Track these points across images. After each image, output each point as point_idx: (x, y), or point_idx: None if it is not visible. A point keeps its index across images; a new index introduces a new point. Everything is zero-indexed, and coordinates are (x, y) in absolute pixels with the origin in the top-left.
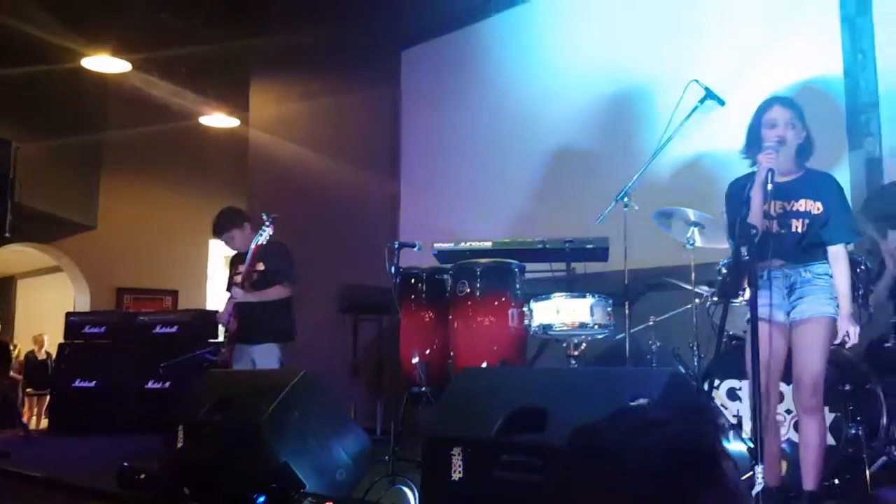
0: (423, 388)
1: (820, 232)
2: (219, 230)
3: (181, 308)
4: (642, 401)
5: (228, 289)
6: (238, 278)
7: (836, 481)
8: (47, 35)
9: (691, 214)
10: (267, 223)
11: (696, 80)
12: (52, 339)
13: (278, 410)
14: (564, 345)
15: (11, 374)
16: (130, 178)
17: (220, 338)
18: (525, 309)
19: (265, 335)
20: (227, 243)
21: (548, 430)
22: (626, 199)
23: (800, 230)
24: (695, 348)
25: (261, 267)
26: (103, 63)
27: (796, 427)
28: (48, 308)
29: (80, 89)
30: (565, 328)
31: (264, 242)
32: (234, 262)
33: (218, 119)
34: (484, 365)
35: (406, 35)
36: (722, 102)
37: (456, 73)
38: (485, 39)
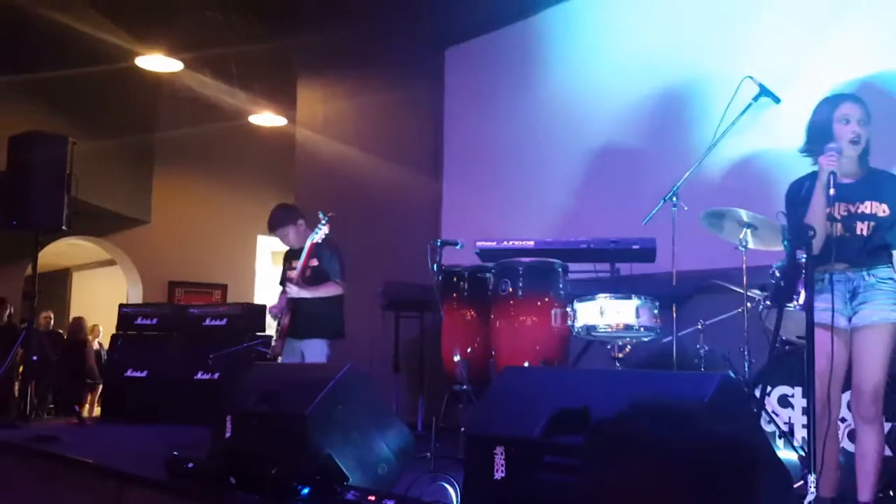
0: (465, 387)
1: (886, 235)
2: (274, 225)
3: (230, 301)
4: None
5: (282, 283)
6: (292, 274)
7: (893, 493)
8: (102, 34)
9: (744, 215)
10: (323, 221)
11: (751, 77)
12: (106, 331)
13: (323, 404)
14: (608, 347)
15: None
16: (182, 175)
17: (269, 331)
18: (568, 309)
19: (315, 331)
20: (281, 239)
21: (590, 430)
22: (674, 199)
23: (865, 233)
24: (745, 353)
25: (314, 263)
26: (156, 62)
27: (850, 436)
28: (102, 300)
29: (133, 88)
30: (609, 330)
31: (320, 241)
32: (289, 258)
33: (266, 118)
34: (526, 365)
35: (450, 34)
36: (777, 100)
37: (500, 72)
38: (529, 37)
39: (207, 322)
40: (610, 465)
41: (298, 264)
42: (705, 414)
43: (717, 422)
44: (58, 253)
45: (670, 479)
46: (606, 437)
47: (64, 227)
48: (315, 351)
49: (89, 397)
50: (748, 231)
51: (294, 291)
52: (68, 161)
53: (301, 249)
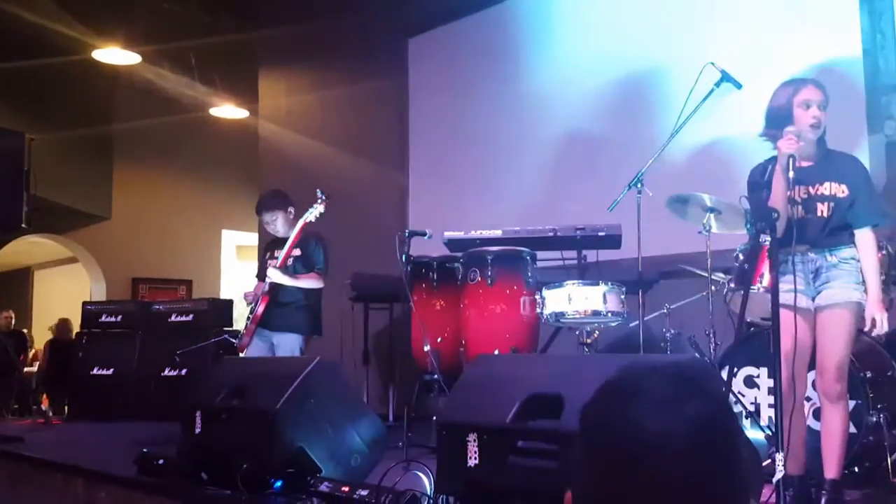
0: (436, 376)
1: (846, 215)
2: (266, 207)
3: (195, 297)
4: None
5: (259, 275)
6: (273, 262)
7: (857, 469)
8: (58, 27)
9: (707, 200)
10: (320, 199)
11: (712, 63)
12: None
13: (294, 397)
14: (577, 333)
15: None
16: (142, 170)
17: (236, 326)
18: (537, 297)
19: (291, 325)
20: (268, 225)
21: (564, 416)
22: (639, 186)
23: (825, 214)
24: (711, 336)
25: (297, 253)
26: (113, 55)
27: (815, 415)
28: (65, 299)
29: (90, 81)
30: (578, 316)
31: (313, 220)
32: (270, 247)
33: (227, 110)
34: (496, 352)
35: (413, 23)
36: (739, 85)
37: (463, 61)
38: (492, 26)
39: (173, 318)
40: (592, 452)
41: (282, 252)
42: (679, 395)
43: (691, 404)
44: (18, 252)
45: (654, 464)
46: (591, 424)
47: (23, 226)
48: (287, 346)
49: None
50: (711, 216)
51: (276, 276)
52: (25, 157)
53: (285, 240)
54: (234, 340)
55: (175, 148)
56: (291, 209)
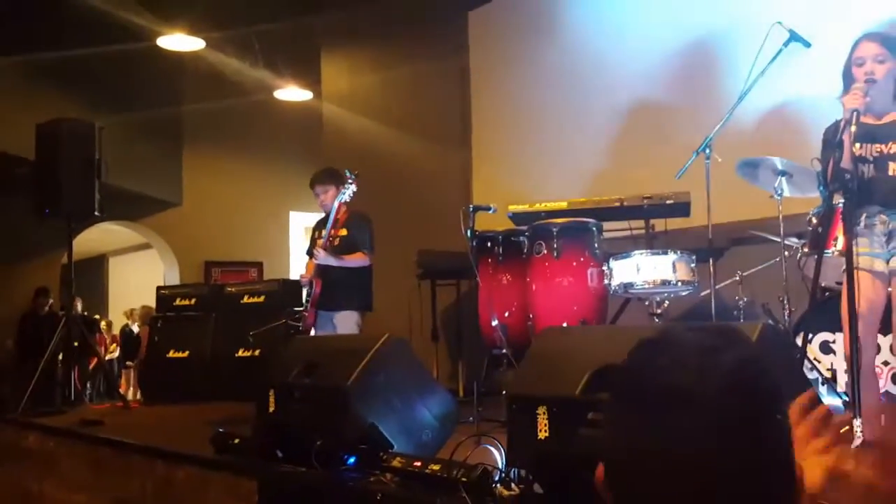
0: (504, 350)
1: None
2: (318, 180)
3: (266, 279)
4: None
5: (309, 252)
6: (321, 242)
7: None
8: (123, 13)
9: (779, 163)
10: (350, 180)
11: (779, 23)
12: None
13: (364, 373)
14: (647, 303)
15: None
16: (211, 155)
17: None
18: (604, 268)
19: (345, 303)
20: (319, 197)
21: None
22: (707, 151)
23: None
24: (785, 302)
25: (343, 233)
26: (178, 41)
27: (894, 379)
28: (140, 284)
29: (157, 68)
30: (647, 286)
31: (348, 199)
32: (318, 227)
33: (291, 93)
34: (565, 325)
35: None
36: (807, 44)
37: (523, 32)
38: None
39: (245, 300)
40: (619, 417)
41: (326, 231)
42: (749, 361)
43: (761, 370)
44: (92, 239)
45: (679, 425)
46: (618, 387)
47: (97, 214)
48: (347, 323)
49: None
50: (783, 179)
51: (321, 256)
52: (97, 146)
53: (328, 217)
54: (296, 324)
55: (242, 132)
56: (341, 186)
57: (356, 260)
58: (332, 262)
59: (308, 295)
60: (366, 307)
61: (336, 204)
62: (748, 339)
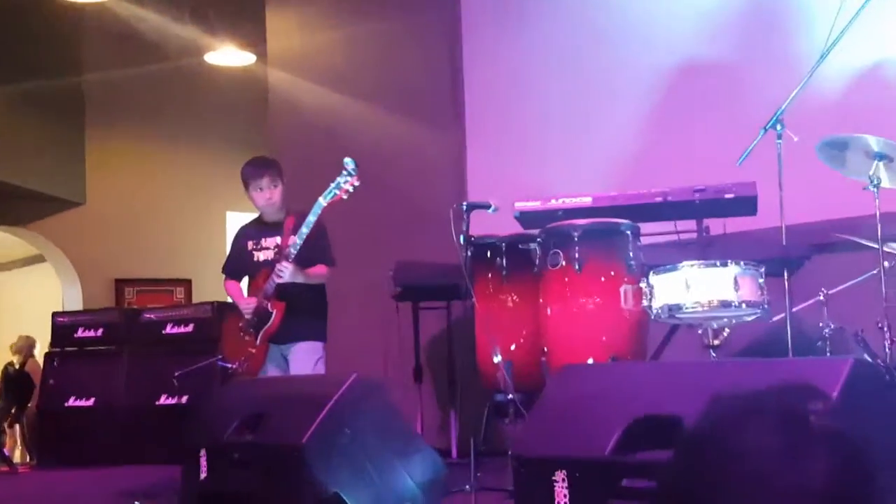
0: (510, 395)
1: None
2: (271, 168)
3: (197, 301)
4: None
5: (234, 270)
6: (267, 255)
7: None
8: None
9: (874, 143)
10: (348, 171)
11: None
12: (40, 345)
13: (325, 427)
14: (699, 332)
15: None
16: (123, 139)
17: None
18: (643, 285)
19: (305, 331)
20: (264, 193)
21: None
22: (778, 128)
23: None
24: (885, 329)
25: (296, 240)
26: None
27: None
28: (30, 309)
29: (50, 23)
30: (700, 309)
31: (344, 197)
32: (253, 233)
33: (228, 55)
34: (590, 362)
35: None
36: None
37: None
38: None
39: (169, 329)
40: (704, 486)
41: (300, 235)
42: (833, 414)
43: (849, 424)
44: None
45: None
46: (699, 450)
47: None
48: (308, 359)
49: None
50: (880, 164)
51: (288, 273)
52: None
53: (273, 225)
54: (230, 366)
55: (164, 109)
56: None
57: (320, 274)
58: (300, 278)
59: (253, 325)
60: (325, 335)
61: (323, 202)
62: (827, 398)
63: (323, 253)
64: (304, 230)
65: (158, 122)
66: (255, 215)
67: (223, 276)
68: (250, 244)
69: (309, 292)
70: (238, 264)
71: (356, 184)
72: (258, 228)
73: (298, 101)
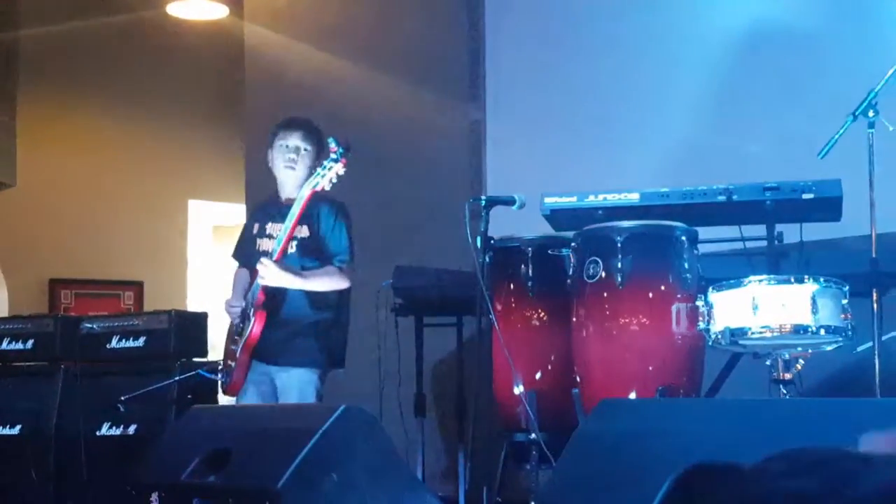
0: (533, 435)
1: None
2: (305, 127)
3: (149, 310)
4: None
5: (243, 257)
6: (270, 245)
7: None
8: None
9: None
10: (336, 155)
11: None
12: None
13: (305, 469)
14: (769, 363)
15: None
16: (63, 109)
17: (214, 354)
18: (699, 303)
19: (301, 353)
20: (286, 152)
21: None
22: (870, 115)
23: None
24: None
25: (304, 233)
26: None
27: None
28: None
29: None
30: (769, 335)
31: (327, 187)
32: (263, 216)
33: (194, 7)
34: (633, 396)
35: None
36: None
37: None
38: None
39: (115, 343)
40: None
41: (283, 229)
42: None
43: None
44: None
45: None
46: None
47: None
48: (295, 387)
49: None
50: None
51: (274, 276)
52: None
53: (288, 207)
54: (213, 376)
55: (114, 73)
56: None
57: (327, 279)
58: (288, 281)
59: (237, 332)
60: (334, 361)
61: (306, 190)
62: None
63: (336, 250)
64: (288, 223)
65: (108, 90)
66: (217, 206)
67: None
68: (256, 227)
69: (310, 302)
70: (245, 250)
71: (341, 171)
72: (269, 208)
73: (281, 64)
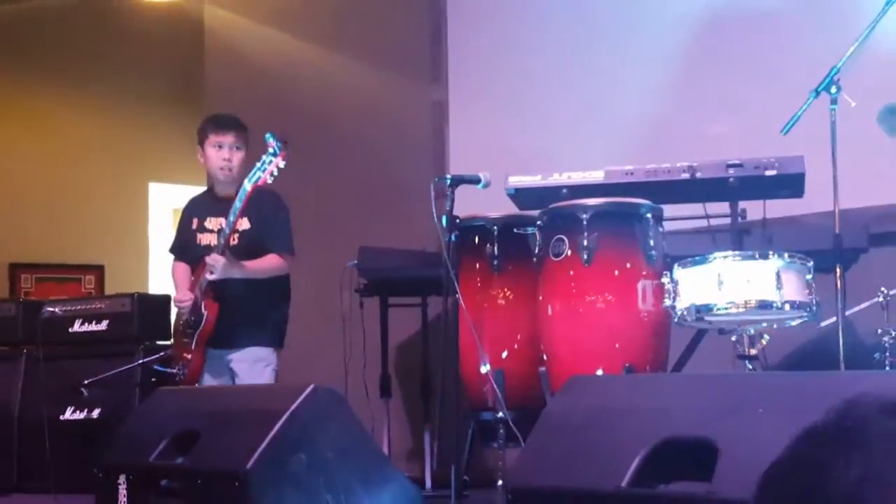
0: (500, 413)
1: None
2: (238, 127)
3: (110, 294)
4: None
5: (180, 252)
6: (212, 238)
7: None
8: None
9: None
10: (274, 149)
11: None
12: None
13: (274, 450)
14: (734, 338)
15: None
16: (19, 87)
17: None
18: (665, 280)
19: (253, 334)
20: (220, 152)
21: (718, 474)
22: (832, 91)
23: None
24: None
25: (245, 225)
26: None
27: None
28: None
29: None
30: (734, 311)
31: (268, 181)
32: (198, 211)
33: None
34: (600, 373)
35: None
36: None
37: None
38: None
39: (77, 327)
40: None
41: (227, 224)
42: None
43: None
44: None
45: None
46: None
47: None
48: (254, 367)
49: None
50: None
51: (221, 268)
52: None
53: (224, 200)
54: (169, 370)
55: (70, 51)
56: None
57: (269, 267)
58: (239, 273)
59: (190, 325)
60: (282, 339)
61: (248, 184)
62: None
63: (277, 239)
64: (231, 218)
65: (67, 71)
66: (177, 189)
67: (171, 256)
68: (195, 221)
69: (256, 288)
70: (184, 244)
71: (282, 164)
72: (206, 203)
73: (242, 46)
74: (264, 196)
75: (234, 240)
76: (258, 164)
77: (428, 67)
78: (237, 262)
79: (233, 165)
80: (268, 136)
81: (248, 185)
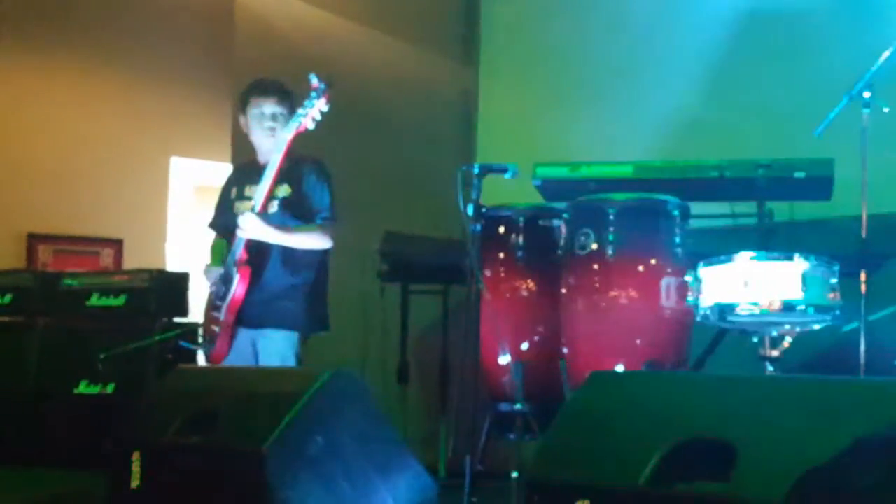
0: (519, 405)
1: None
2: (277, 92)
3: (128, 267)
4: None
5: (220, 225)
6: (247, 204)
7: None
8: None
9: None
10: (317, 90)
11: None
12: None
13: (292, 432)
14: (756, 339)
15: None
16: (40, 55)
17: (195, 316)
18: (689, 278)
19: (280, 316)
20: (263, 119)
21: (736, 476)
22: (866, 95)
23: None
24: None
25: (285, 192)
26: None
27: None
28: None
29: None
30: (757, 311)
31: (311, 126)
32: (239, 179)
33: None
34: (620, 369)
35: None
36: None
37: None
38: None
39: (94, 300)
40: None
41: (262, 186)
42: None
43: None
44: None
45: None
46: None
47: None
48: (275, 351)
49: None
50: None
51: (255, 227)
52: None
53: (264, 170)
54: (193, 347)
55: (92, 19)
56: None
57: (310, 236)
58: (269, 236)
59: (219, 297)
60: (315, 325)
61: (290, 132)
62: None
63: (318, 208)
64: (270, 171)
65: (90, 42)
66: (200, 164)
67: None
68: (234, 191)
69: (289, 261)
70: (223, 218)
71: (325, 108)
72: (247, 172)
73: (271, 17)
74: (309, 162)
75: (272, 206)
76: (299, 111)
77: (460, 51)
78: (273, 224)
79: (275, 133)
80: (311, 75)
81: (288, 134)
